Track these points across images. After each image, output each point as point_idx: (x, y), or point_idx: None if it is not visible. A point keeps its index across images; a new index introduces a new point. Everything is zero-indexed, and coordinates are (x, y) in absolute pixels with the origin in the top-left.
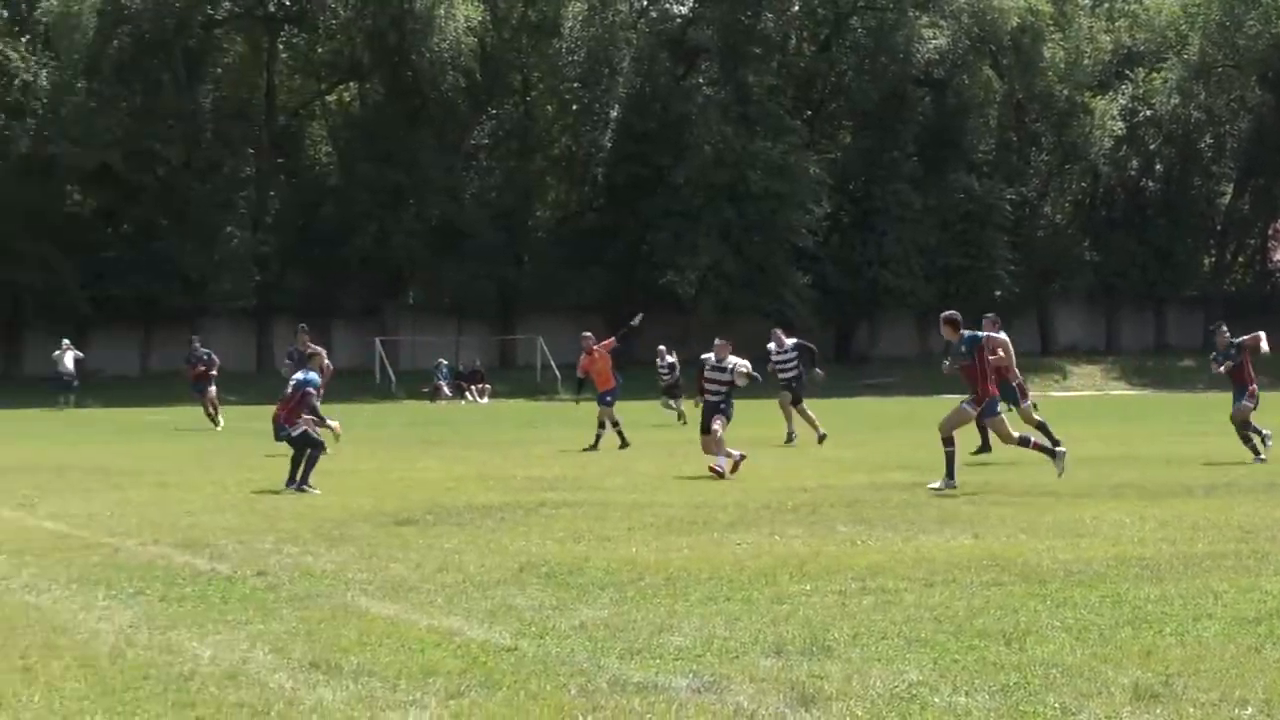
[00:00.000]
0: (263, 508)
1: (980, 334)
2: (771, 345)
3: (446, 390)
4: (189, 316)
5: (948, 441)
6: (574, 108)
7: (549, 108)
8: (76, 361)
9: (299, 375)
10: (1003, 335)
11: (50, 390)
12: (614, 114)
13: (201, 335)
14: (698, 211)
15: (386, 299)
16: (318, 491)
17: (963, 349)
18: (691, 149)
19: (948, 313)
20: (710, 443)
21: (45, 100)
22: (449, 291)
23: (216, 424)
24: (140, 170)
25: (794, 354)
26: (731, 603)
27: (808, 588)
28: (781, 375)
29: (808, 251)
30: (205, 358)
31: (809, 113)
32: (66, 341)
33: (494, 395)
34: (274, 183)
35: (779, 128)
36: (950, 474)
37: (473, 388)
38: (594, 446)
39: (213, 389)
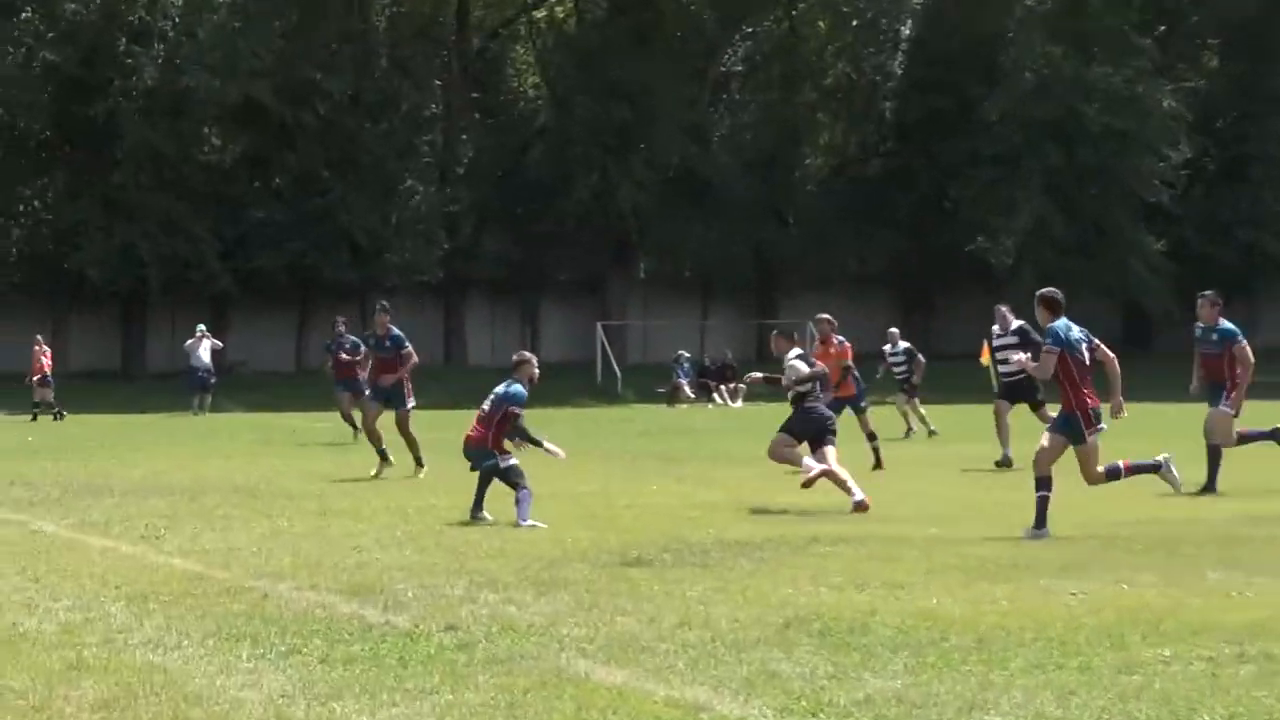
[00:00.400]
0: (451, 542)
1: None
2: (995, 328)
3: (688, 390)
4: (357, 294)
5: None
6: (854, 23)
7: (820, 24)
8: (214, 353)
9: (501, 388)
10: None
11: (183, 389)
12: (906, 31)
13: (346, 317)
14: (1016, 156)
15: (610, 271)
16: (543, 525)
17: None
18: (1008, 76)
19: None
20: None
21: (177, 21)
22: (691, 261)
23: (357, 434)
24: (296, 107)
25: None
26: (1064, 672)
27: (1166, 653)
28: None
29: (1161, 209)
30: (350, 346)
31: (1162, 28)
32: (201, 328)
33: (749, 397)
34: (467, 123)
35: (1122, 48)
36: None
37: (722, 387)
38: (878, 465)
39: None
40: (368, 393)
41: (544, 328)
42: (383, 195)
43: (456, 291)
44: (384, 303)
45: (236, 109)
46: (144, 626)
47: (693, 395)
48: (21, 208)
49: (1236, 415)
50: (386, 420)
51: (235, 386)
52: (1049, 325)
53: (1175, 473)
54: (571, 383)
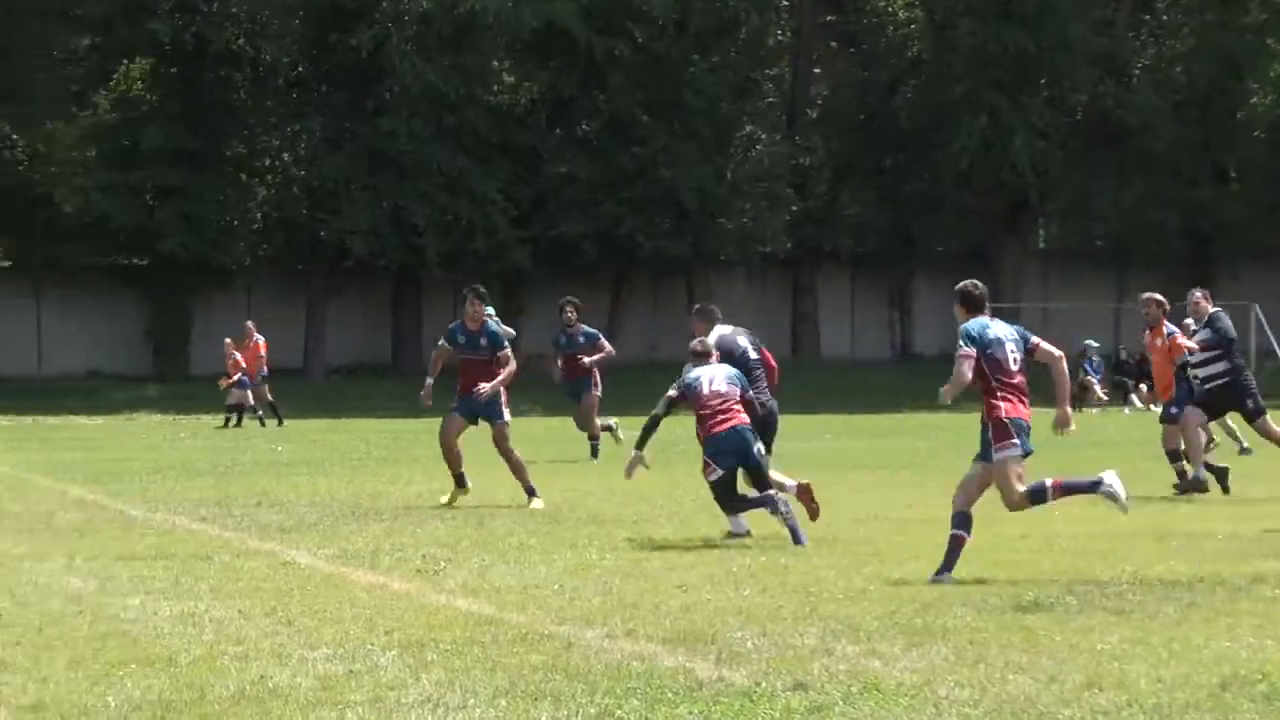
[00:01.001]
0: (799, 580)
1: None
2: (1189, 320)
3: (1099, 390)
4: (683, 269)
5: None
6: None
7: None
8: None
9: (727, 368)
10: None
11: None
12: None
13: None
14: None
15: (1001, 240)
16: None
17: None
18: None
19: None
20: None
21: None
22: (1103, 227)
23: (594, 449)
24: (608, 36)
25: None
26: None
27: None
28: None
29: None
30: (583, 340)
31: None
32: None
33: None
34: (821, 54)
35: None
36: None
37: (1141, 386)
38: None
39: (596, 391)
40: (454, 404)
41: (917, 311)
42: (714, 145)
43: (807, 266)
44: (479, 288)
45: (533, 38)
46: (420, 681)
47: (1105, 396)
48: (268, 162)
49: None
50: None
51: (531, 385)
52: (962, 324)
53: (1120, 490)
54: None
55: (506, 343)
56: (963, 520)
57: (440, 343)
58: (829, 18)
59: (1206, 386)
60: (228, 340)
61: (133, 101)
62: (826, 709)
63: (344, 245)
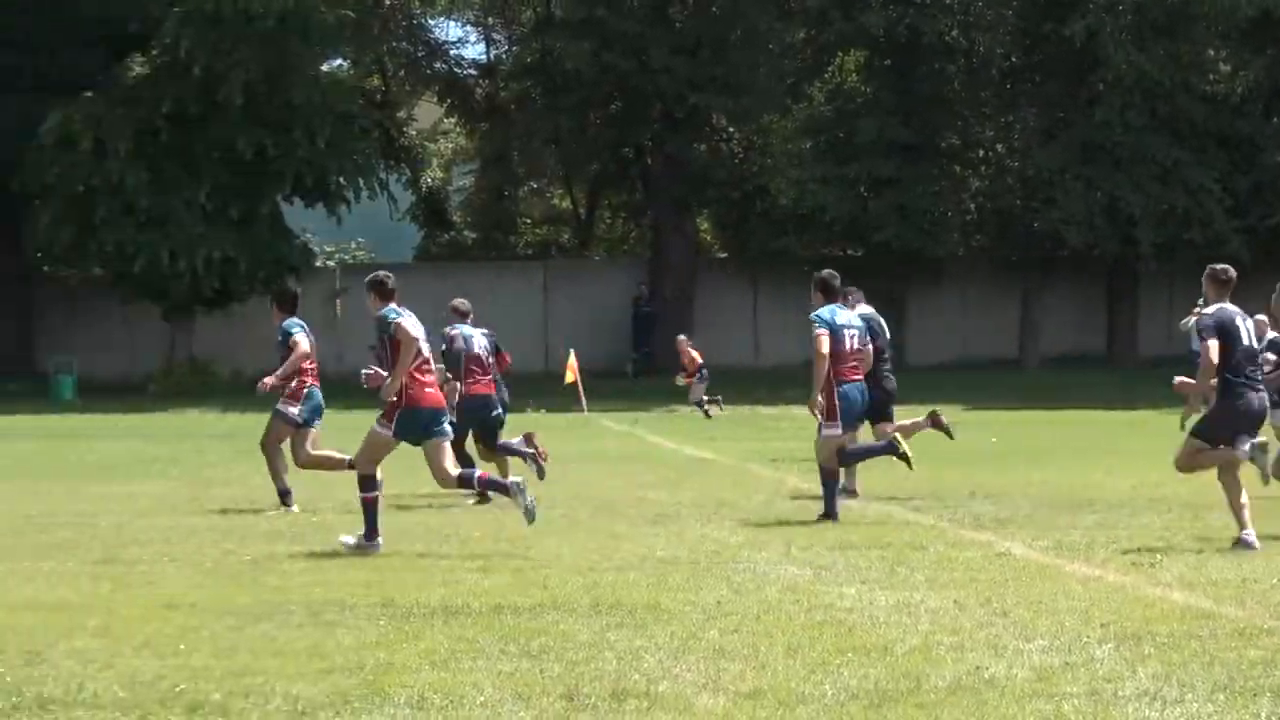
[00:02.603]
0: None
1: None
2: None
3: None
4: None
5: None
6: None
7: None
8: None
9: None
10: None
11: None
12: None
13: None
14: None
15: None
16: None
17: None
18: None
19: None
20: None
21: None
22: None
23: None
24: None
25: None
26: None
27: None
28: None
29: None
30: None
31: None
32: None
33: None
34: None
35: None
36: None
37: None
38: None
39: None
40: None
41: None
42: None
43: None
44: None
45: (1249, 26)
46: (1137, 675)
47: None
48: (981, 153)
49: None
50: None
51: None
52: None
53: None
54: None
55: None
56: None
57: None
58: None
59: None
60: (681, 337)
61: (847, 94)
62: None
63: (1058, 236)
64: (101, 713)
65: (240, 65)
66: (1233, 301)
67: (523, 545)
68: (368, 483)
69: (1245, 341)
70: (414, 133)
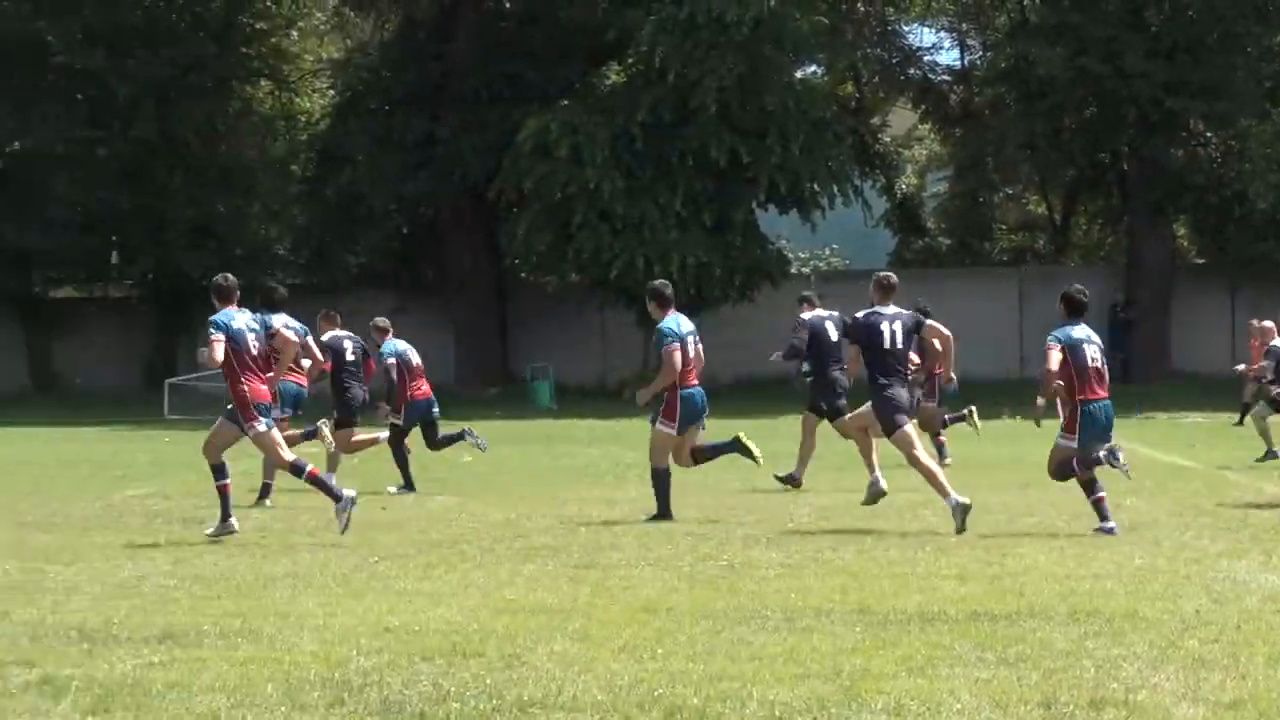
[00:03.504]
0: None
1: None
2: None
3: None
4: None
5: None
6: None
7: None
8: None
9: None
10: None
11: None
12: None
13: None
14: None
15: None
16: None
17: None
18: None
19: None
20: None
21: None
22: None
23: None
24: None
25: None
26: None
27: None
28: None
29: None
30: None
31: None
32: None
33: None
34: None
35: None
36: None
37: None
38: None
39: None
40: None
41: None
42: None
43: None
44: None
45: None
46: None
47: None
48: None
49: None
50: None
51: None
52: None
53: None
54: None
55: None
56: None
57: None
58: None
59: None
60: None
61: None
62: None
63: None
64: (580, 715)
65: (714, 72)
66: None
67: (999, 553)
68: None
69: None
70: (888, 139)
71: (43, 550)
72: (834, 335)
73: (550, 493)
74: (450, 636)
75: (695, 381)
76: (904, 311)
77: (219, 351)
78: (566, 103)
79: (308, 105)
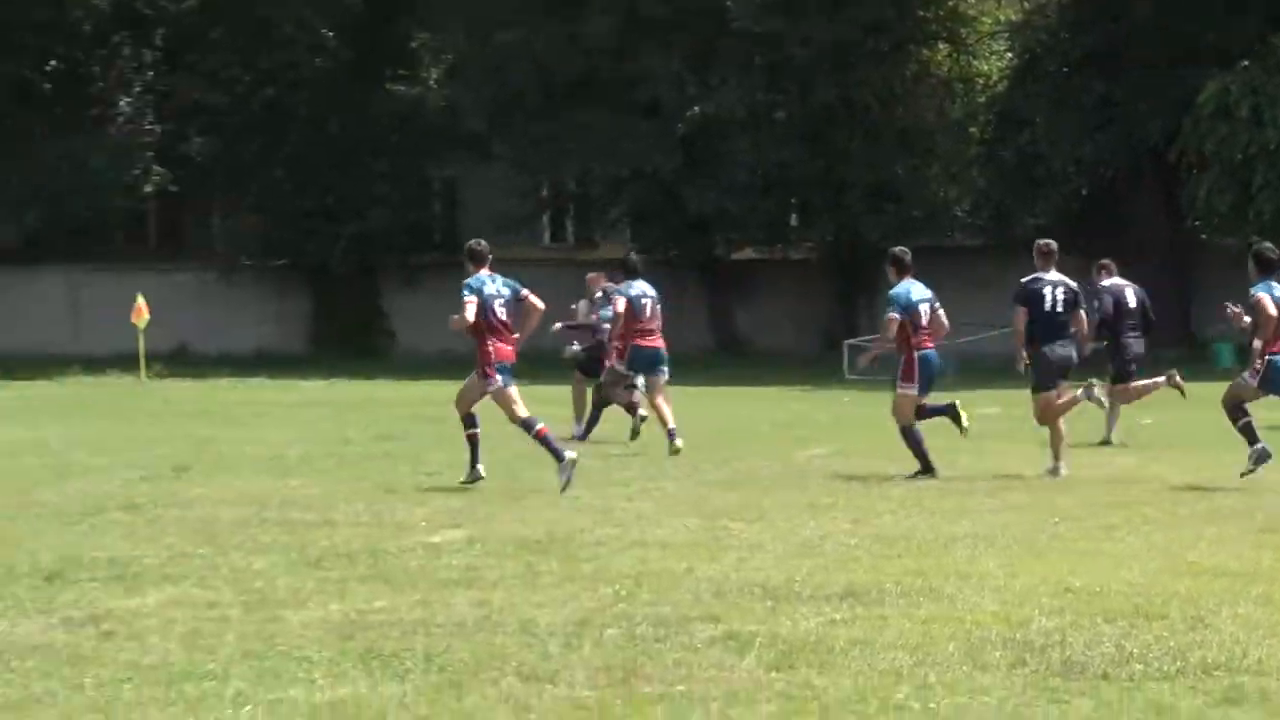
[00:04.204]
0: None
1: None
2: None
3: None
4: None
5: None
6: None
7: None
8: None
9: None
10: None
11: None
12: None
13: None
14: None
15: None
16: None
17: None
18: None
19: None
20: None
21: None
22: None
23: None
24: None
25: None
26: None
27: None
28: None
29: None
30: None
31: None
32: None
33: None
34: None
35: None
36: None
37: None
38: None
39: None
40: None
41: None
42: None
43: None
44: None
45: None
46: None
47: None
48: None
49: None
50: None
51: None
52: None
53: None
54: None
55: None
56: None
57: None
58: None
59: None
60: None
61: None
62: None
63: None
64: (1266, 679)
65: None
66: None
67: None
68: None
69: None
70: None
71: (725, 508)
72: (1132, 303)
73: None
74: (1132, 598)
75: (931, 344)
76: (1067, 279)
77: (470, 312)
78: (1246, 64)
79: (985, 68)
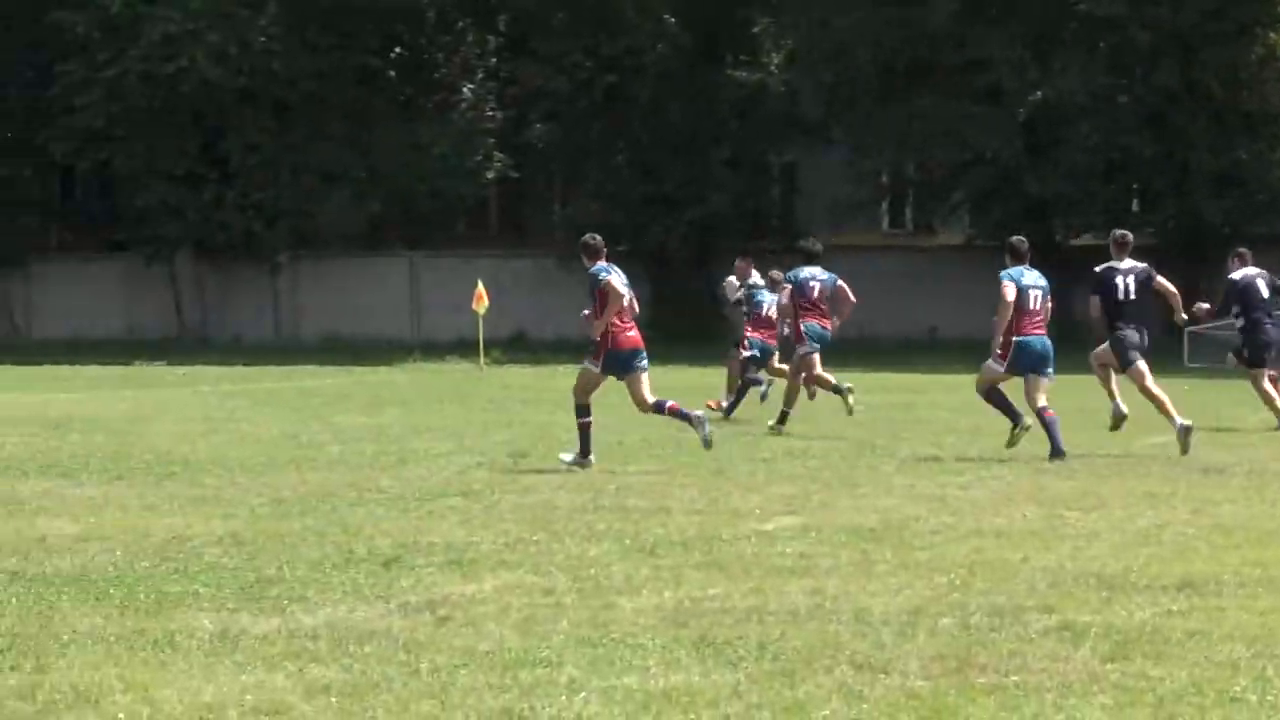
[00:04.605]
0: None
1: None
2: None
3: None
4: None
5: None
6: None
7: None
8: None
9: None
10: None
11: None
12: None
13: None
14: None
15: None
16: None
17: None
18: None
19: None
20: None
21: None
22: None
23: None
24: None
25: None
26: None
27: None
28: None
29: None
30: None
31: None
32: None
33: None
34: None
35: None
36: None
37: None
38: None
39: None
40: None
41: None
42: None
43: None
44: None
45: None
46: None
47: None
48: None
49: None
50: None
51: None
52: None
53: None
54: None
55: None
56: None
57: None
58: None
59: None
60: None
61: None
62: None
63: None
64: None
65: None
66: None
67: None
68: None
69: None
70: None
71: (1062, 497)
72: (1264, 291)
73: None
74: None
75: (1034, 331)
76: (1139, 265)
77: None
78: None
79: None
